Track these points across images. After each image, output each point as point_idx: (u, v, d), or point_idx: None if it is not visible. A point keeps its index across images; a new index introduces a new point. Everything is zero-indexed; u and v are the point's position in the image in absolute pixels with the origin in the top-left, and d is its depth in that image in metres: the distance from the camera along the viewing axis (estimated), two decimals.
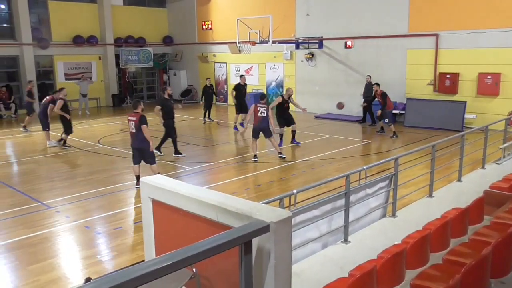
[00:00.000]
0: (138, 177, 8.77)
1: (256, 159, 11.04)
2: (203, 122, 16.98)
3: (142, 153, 8.79)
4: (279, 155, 11.19)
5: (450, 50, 15.10)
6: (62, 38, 20.96)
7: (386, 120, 14.00)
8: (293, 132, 12.74)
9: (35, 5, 20.51)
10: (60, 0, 20.92)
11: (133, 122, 8.59)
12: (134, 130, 8.63)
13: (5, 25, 20.02)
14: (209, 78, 18.12)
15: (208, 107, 16.82)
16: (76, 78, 20.91)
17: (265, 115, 10.91)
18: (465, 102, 14.67)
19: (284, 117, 12.51)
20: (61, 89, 12.93)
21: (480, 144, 8.67)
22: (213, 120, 17.22)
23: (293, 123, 12.58)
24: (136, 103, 8.90)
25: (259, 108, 10.98)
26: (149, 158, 8.86)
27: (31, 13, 20.05)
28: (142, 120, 8.53)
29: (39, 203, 8.18)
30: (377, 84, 14.07)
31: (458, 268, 3.53)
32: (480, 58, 14.45)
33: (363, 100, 16.36)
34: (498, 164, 8.29)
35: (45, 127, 12.92)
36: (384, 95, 13.56)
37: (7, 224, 7.22)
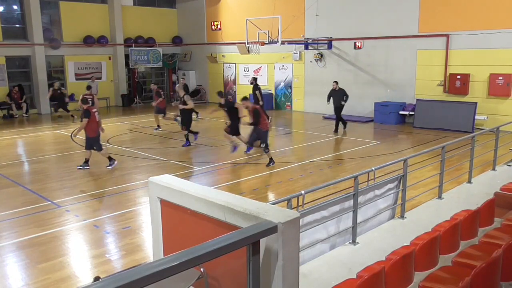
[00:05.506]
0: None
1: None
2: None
3: None
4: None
5: (461, 50, 14.97)
6: (73, 39, 21.15)
7: (263, 145, 10.63)
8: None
9: (47, 6, 20.72)
10: (71, 1, 21.12)
11: None
12: None
13: (17, 25, 20.23)
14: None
15: None
16: (86, 78, 21.10)
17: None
18: (476, 103, 14.53)
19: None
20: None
21: (491, 146, 8.58)
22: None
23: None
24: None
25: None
26: None
27: (43, 14, 20.26)
28: None
29: (49, 202, 8.25)
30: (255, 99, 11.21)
31: (468, 270, 3.50)
32: (491, 58, 14.30)
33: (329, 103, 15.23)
34: (509, 166, 8.20)
35: None
36: (256, 113, 10.54)
37: (18, 223, 7.30)
